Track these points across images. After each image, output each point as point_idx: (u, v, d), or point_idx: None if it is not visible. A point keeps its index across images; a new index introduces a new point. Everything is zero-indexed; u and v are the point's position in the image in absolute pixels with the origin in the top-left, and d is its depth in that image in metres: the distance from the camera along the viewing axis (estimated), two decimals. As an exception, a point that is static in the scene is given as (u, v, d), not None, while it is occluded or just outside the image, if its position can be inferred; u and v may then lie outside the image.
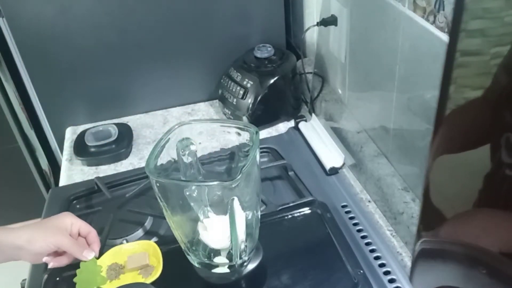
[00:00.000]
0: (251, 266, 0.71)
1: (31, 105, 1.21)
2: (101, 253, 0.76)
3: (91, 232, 0.77)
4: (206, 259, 0.70)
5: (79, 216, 0.87)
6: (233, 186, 0.61)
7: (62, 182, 1.00)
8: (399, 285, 0.71)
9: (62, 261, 0.74)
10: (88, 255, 0.73)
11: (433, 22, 0.64)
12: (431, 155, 0.50)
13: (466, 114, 0.46)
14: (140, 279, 0.72)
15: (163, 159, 0.66)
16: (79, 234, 0.76)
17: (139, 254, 0.75)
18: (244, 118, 1.05)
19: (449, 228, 0.52)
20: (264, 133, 1.07)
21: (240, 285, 0.72)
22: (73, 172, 1.02)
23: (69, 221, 0.75)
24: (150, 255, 0.75)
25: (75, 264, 0.73)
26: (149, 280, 0.71)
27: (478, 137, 0.45)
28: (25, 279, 0.79)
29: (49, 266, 0.73)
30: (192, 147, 0.70)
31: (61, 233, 0.73)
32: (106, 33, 1.05)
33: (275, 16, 1.15)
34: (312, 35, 1.14)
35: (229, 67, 1.10)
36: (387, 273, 0.73)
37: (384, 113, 0.83)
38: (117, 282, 0.72)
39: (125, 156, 1.05)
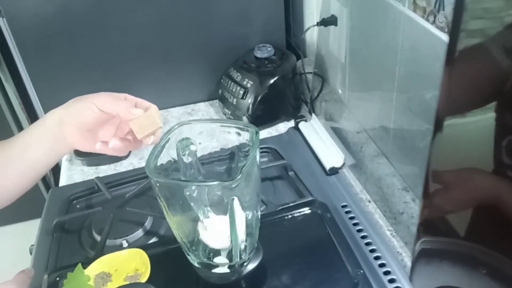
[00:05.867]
0: (251, 266, 0.71)
1: (31, 105, 1.21)
2: (88, 263, 0.75)
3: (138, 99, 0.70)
4: (206, 259, 0.70)
5: (79, 216, 0.87)
6: (233, 186, 0.60)
7: (62, 182, 1.00)
8: (399, 285, 0.71)
9: (116, 145, 0.67)
10: (135, 110, 0.66)
11: (433, 22, 0.64)
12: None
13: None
14: None
15: (163, 159, 0.66)
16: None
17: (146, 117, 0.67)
18: (244, 118, 1.05)
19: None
20: (264, 133, 1.07)
21: (240, 285, 0.72)
22: (73, 172, 1.03)
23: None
24: (138, 261, 0.75)
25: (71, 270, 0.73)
26: None
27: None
28: (25, 279, 0.79)
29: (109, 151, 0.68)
30: (192, 147, 0.70)
31: (102, 94, 0.67)
32: (106, 33, 1.05)
33: (275, 16, 1.15)
34: (312, 35, 1.14)
35: (229, 67, 1.10)
36: (387, 273, 0.73)
37: (384, 113, 0.83)
38: None
39: (125, 156, 1.05)
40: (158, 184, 0.63)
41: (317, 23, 0.99)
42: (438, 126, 0.49)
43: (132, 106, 0.67)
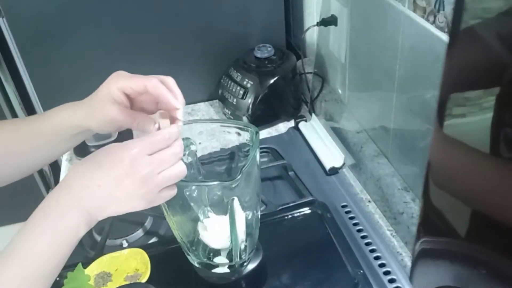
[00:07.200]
0: (251, 266, 0.71)
1: (31, 105, 1.21)
2: (88, 262, 0.75)
3: (159, 88, 0.57)
4: (206, 259, 0.70)
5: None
6: (233, 186, 0.60)
7: (62, 182, 1.00)
8: (399, 285, 0.71)
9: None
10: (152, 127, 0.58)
11: (433, 22, 0.64)
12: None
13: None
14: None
15: (163, 159, 0.66)
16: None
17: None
18: (244, 118, 1.05)
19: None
20: (264, 133, 1.07)
21: (240, 285, 0.72)
22: (73, 172, 1.02)
23: (114, 88, 0.62)
24: (139, 261, 0.75)
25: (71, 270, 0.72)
26: None
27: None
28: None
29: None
30: (192, 147, 0.70)
31: (111, 110, 0.60)
32: (106, 33, 1.05)
33: (275, 16, 1.15)
34: (312, 35, 1.14)
35: (229, 67, 1.10)
36: (387, 273, 0.73)
37: (384, 113, 0.83)
38: None
39: (125, 156, 1.04)
40: (158, 184, 0.63)
41: (317, 23, 0.99)
42: (438, 126, 0.49)
43: (146, 121, 0.61)
